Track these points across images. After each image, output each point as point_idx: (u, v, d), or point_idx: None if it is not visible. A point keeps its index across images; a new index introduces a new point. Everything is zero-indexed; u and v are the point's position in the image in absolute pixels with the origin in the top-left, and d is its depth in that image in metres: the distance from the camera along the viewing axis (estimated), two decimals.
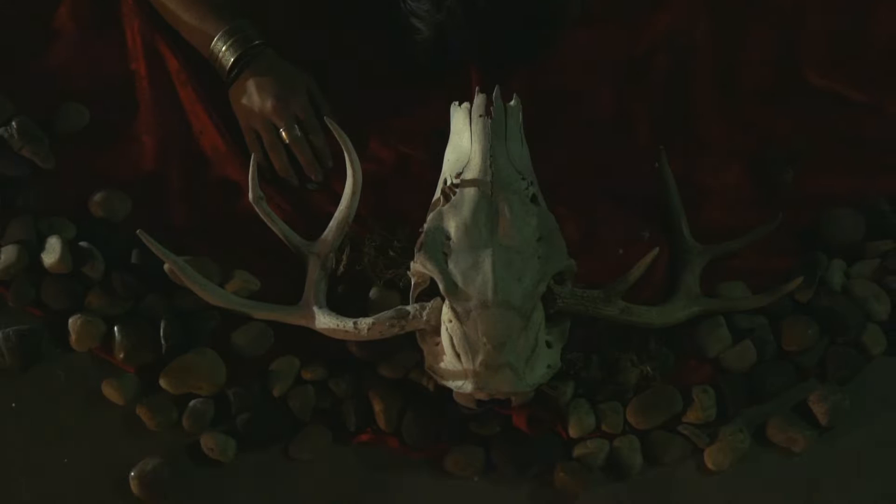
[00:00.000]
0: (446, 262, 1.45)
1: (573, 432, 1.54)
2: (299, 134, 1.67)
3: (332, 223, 1.57)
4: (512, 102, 1.56)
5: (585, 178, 1.71)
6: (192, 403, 1.55)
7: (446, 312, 1.44)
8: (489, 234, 1.46)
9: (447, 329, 1.44)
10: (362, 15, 1.75)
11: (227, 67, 1.68)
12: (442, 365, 1.46)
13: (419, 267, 1.47)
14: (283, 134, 1.67)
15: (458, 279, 1.43)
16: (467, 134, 1.54)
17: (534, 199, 1.51)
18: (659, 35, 1.83)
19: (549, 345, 1.46)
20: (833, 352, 1.61)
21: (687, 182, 1.68)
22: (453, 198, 1.50)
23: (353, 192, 1.56)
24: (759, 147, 1.75)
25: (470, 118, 1.55)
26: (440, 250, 1.46)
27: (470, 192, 1.49)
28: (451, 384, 1.45)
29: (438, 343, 1.46)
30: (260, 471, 1.55)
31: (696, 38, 1.82)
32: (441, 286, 1.43)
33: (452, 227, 1.47)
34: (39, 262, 1.59)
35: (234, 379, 1.57)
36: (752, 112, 1.78)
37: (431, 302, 1.47)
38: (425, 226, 1.50)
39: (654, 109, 1.78)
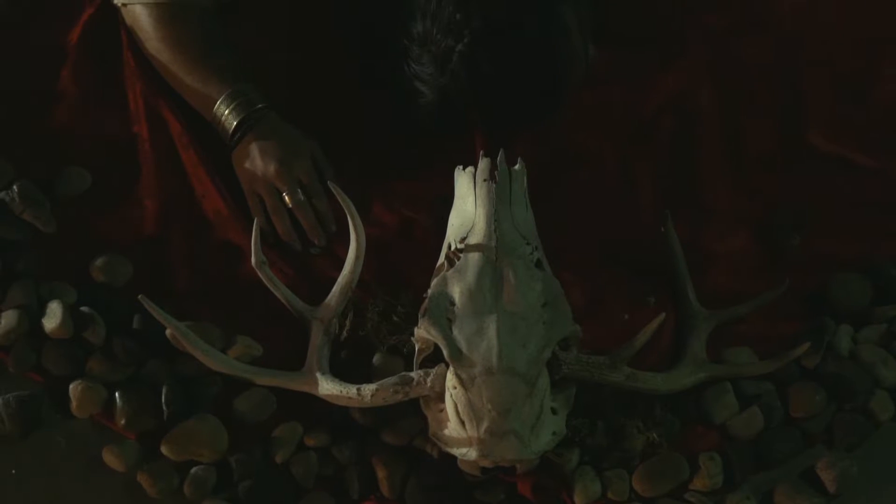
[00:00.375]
0: (450, 328, 1.48)
1: (579, 500, 1.56)
2: (302, 198, 1.71)
3: (336, 288, 1.60)
4: (516, 167, 1.60)
5: (590, 242, 1.75)
6: (193, 470, 1.58)
7: (450, 379, 1.47)
8: (494, 300, 1.49)
9: (451, 396, 1.47)
10: (365, 78, 1.79)
11: (230, 131, 1.72)
12: (446, 432, 1.49)
13: (423, 333, 1.50)
14: (287, 198, 1.70)
15: (463, 345, 1.46)
16: (471, 199, 1.58)
17: (538, 265, 1.55)
18: (664, 98, 1.87)
19: (554, 411, 1.49)
20: (841, 418, 1.64)
21: (693, 247, 1.71)
22: (457, 263, 1.54)
23: (357, 257, 1.60)
24: (765, 212, 1.79)
25: (474, 183, 1.58)
26: (444, 316, 1.49)
27: (474, 258, 1.52)
28: (456, 451, 1.48)
29: (442, 410, 1.49)
30: None
31: (702, 101, 1.86)
32: (445, 352, 1.46)
33: (457, 292, 1.50)
34: (40, 327, 1.61)
35: (236, 445, 1.59)
36: (758, 176, 1.81)
37: (435, 368, 1.50)
38: (429, 291, 1.53)
39: (659, 173, 1.82)
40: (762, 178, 1.82)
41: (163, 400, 1.58)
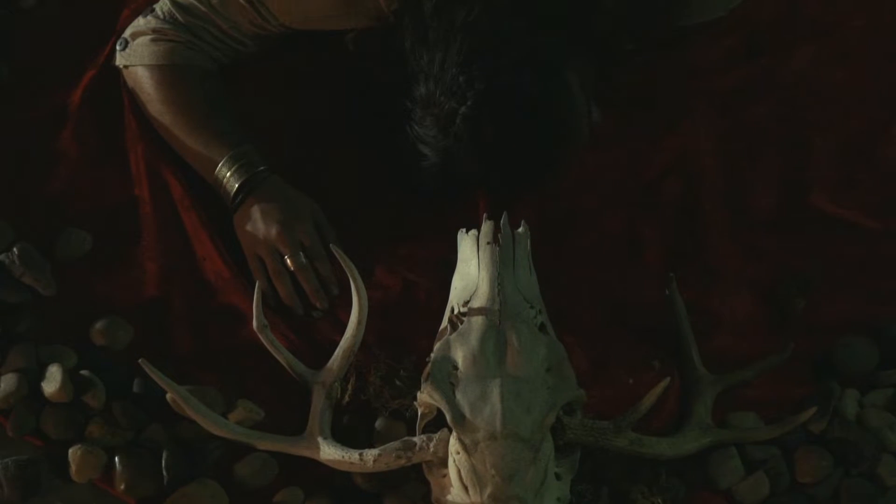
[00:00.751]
0: (454, 393, 1.51)
1: None
2: (304, 261, 1.74)
3: (338, 352, 1.63)
4: (520, 229, 1.63)
5: (594, 305, 1.79)
6: None
7: (454, 444, 1.49)
8: (497, 364, 1.51)
9: (455, 461, 1.48)
10: (368, 140, 1.84)
11: (232, 193, 1.77)
12: (449, 497, 1.50)
13: (426, 397, 1.53)
14: (288, 261, 1.74)
15: (466, 410, 1.48)
16: (475, 262, 1.60)
17: (542, 328, 1.57)
18: (669, 161, 1.91)
19: (558, 476, 1.51)
20: (848, 483, 1.66)
21: (697, 310, 1.74)
22: (461, 326, 1.56)
23: (359, 321, 1.63)
24: (770, 274, 1.82)
25: (477, 246, 1.61)
26: (447, 380, 1.52)
27: (478, 321, 1.55)
28: None
29: (446, 475, 1.51)
30: None
31: (706, 163, 1.90)
32: (448, 417, 1.49)
33: (460, 356, 1.53)
34: (40, 390, 1.64)
35: None
36: (763, 239, 1.85)
37: (438, 433, 1.52)
38: (432, 355, 1.56)
39: (664, 235, 1.86)
40: (767, 240, 1.85)
41: (163, 464, 1.61)
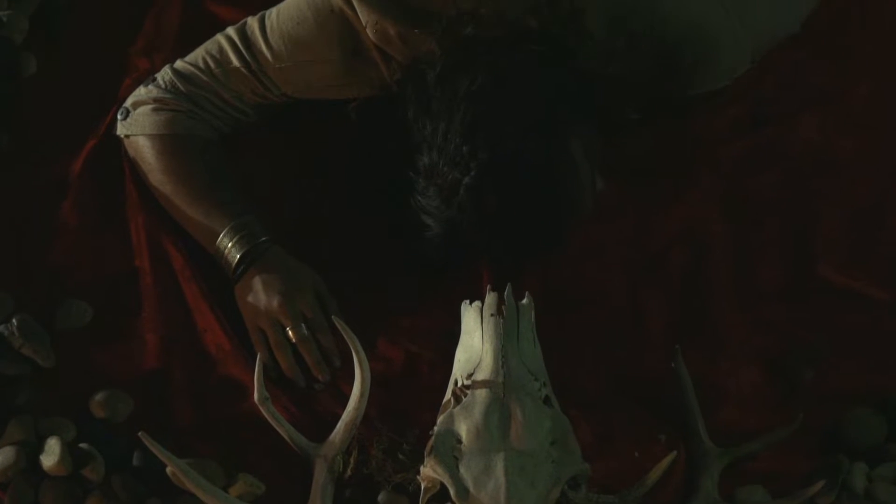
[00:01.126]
0: (457, 467, 1.52)
1: None
2: (306, 333, 1.77)
3: (340, 425, 1.65)
4: (524, 301, 1.64)
5: (599, 377, 1.81)
6: None
7: None
8: (501, 438, 1.53)
9: None
10: (370, 211, 1.87)
11: (234, 264, 1.79)
12: None
13: (429, 471, 1.55)
14: (290, 333, 1.77)
15: (470, 484, 1.51)
16: (478, 333, 1.62)
17: (547, 401, 1.59)
18: (675, 231, 1.93)
19: None
20: None
21: (704, 382, 1.76)
22: (464, 399, 1.58)
23: (362, 394, 1.65)
24: (777, 345, 1.84)
25: (481, 317, 1.62)
26: (451, 454, 1.54)
27: (481, 394, 1.56)
28: None
29: None
30: None
31: (713, 233, 1.93)
32: (452, 491, 1.51)
33: (463, 429, 1.55)
34: (38, 463, 1.66)
35: None
36: (770, 310, 1.87)
37: None
38: (435, 428, 1.58)
39: (669, 306, 1.88)
40: (774, 311, 1.87)
41: None
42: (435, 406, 1.64)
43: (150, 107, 1.87)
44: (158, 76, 1.90)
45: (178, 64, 1.90)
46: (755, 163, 2.00)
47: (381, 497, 1.66)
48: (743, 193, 1.97)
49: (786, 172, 1.99)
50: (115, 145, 1.91)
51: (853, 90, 2.07)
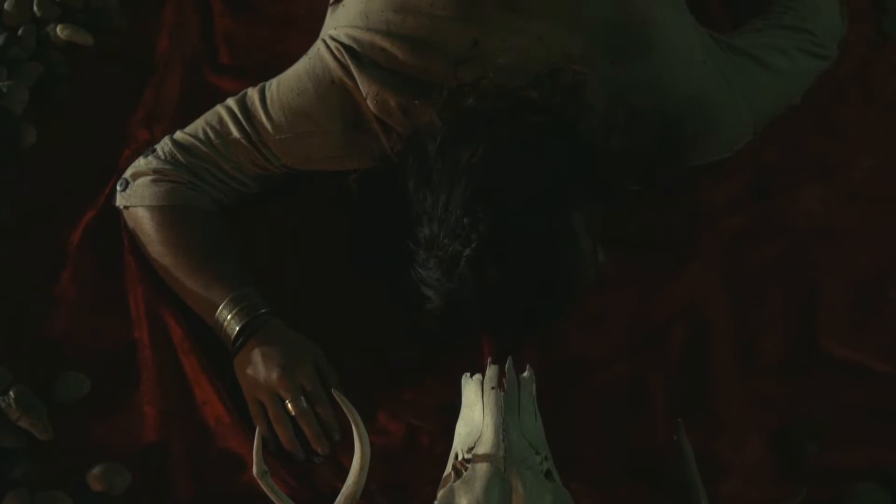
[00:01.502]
0: None
1: None
2: (306, 406, 1.78)
3: (340, 498, 1.64)
4: (525, 374, 1.65)
5: (601, 451, 1.82)
6: None
7: None
8: None
9: None
10: (370, 283, 1.89)
11: (233, 336, 1.82)
12: None
13: None
14: (290, 406, 1.78)
15: None
16: (479, 407, 1.62)
17: (548, 475, 1.59)
18: (676, 303, 1.95)
19: None
20: None
21: (706, 456, 1.75)
22: (465, 473, 1.58)
23: (362, 467, 1.65)
24: (779, 420, 1.85)
25: (482, 391, 1.63)
26: None
27: (482, 468, 1.57)
28: None
29: None
30: None
31: (714, 306, 1.95)
32: None
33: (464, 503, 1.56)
34: None
35: None
36: (772, 384, 1.89)
37: None
38: (436, 502, 1.58)
39: (671, 380, 1.89)
40: (776, 384, 1.89)
41: None
42: (435, 480, 1.64)
43: (149, 178, 1.90)
44: (158, 147, 1.93)
45: (178, 135, 1.94)
46: (757, 235, 2.03)
47: None
48: (744, 265, 2.00)
49: (787, 244, 2.02)
50: (115, 216, 1.94)
51: (854, 162, 2.11)
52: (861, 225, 2.05)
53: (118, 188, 1.93)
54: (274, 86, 1.91)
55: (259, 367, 1.80)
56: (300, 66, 1.91)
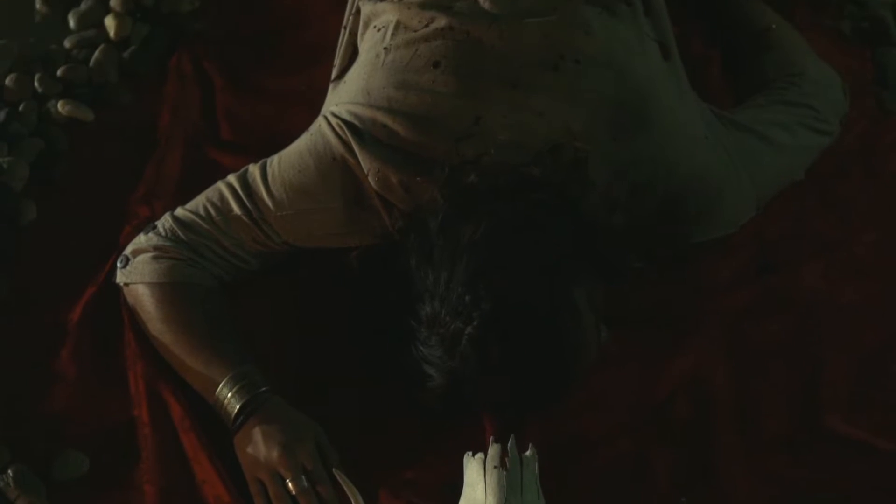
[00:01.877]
0: None
1: None
2: (307, 485, 1.78)
3: None
4: (527, 453, 1.66)
5: None
6: None
7: None
8: None
9: None
10: (372, 361, 1.90)
11: (233, 415, 1.82)
12: None
13: None
14: (290, 485, 1.78)
15: None
16: (481, 486, 1.64)
17: None
18: (679, 380, 1.96)
19: None
20: None
21: None
22: None
23: None
24: (784, 497, 1.85)
25: (484, 470, 1.64)
26: None
27: None
28: None
29: None
30: None
31: (717, 383, 1.96)
32: None
33: None
34: None
35: None
36: (775, 460, 1.89)
37: None
38: None
39: (674, 457, 1.89)
40: (779, 461, 1.89)
41: None
42: None
43: (150, 255, 1.92)
44: (159, 224, 1.95)
45: (179, 211, 1.96)
46: (760, 311, 2.04)
47: None
48: (747, 341, 2.01)
49: (791, 320, 2.04)
50: (115, 293, 1.96)
51: (857, 237, 2.14)
52: (864, 300, 2.07)
53: (118, 265, 1.95)
54: (275, 162, 1.94)
55: (259, 446, 1.80)
56: (301, 143, 1.94)
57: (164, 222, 1.96)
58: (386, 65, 1.90)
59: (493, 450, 1.66)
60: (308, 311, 2.02)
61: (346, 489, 1.69)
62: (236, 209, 1.92)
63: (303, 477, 1.79)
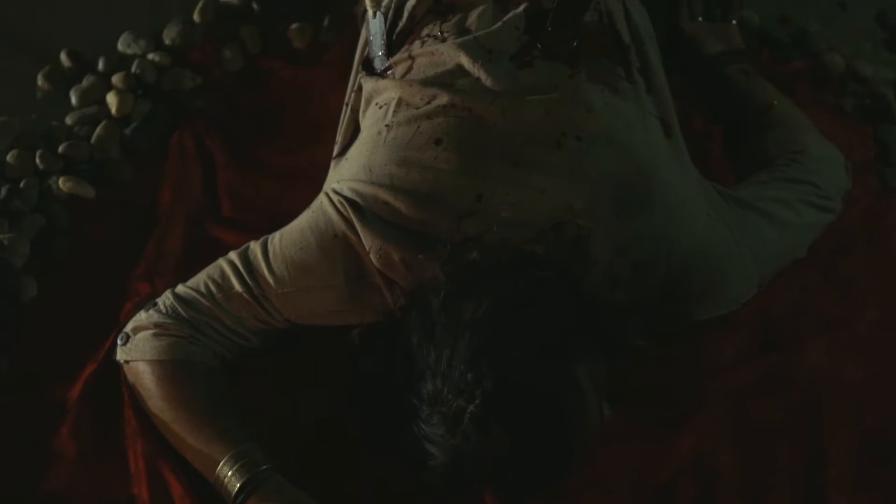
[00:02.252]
0: None
1: None
2: None
3: None
4: None
5: None
6: None
7: None
8: None
9: None
10: (373, 439, 1.91)
11: (233, 493, 1.83)
12: None
13: None
14: None
15: None
16: None
17: None
18: (682, 460, 1.97)
19: None
20: None
21: None
22: None
23: None
24: None
25: None
26: None
27: None
28: None
29: None
30: None
31: (721, 462, 1.96)
32: None
33: None
34: None
35: None
36: None
37: None
38: None
39: None
40: None
41: None
42: None
43: (150, 332, 1.94)
44: (159, 301, 1.97)
45: (180, 288, 1.98)
46: (763, 390, 2.05)
47: None
48: (751, 420, 2.02)
49: (794, 399, 2.05)
50: (115, 371, 1.97)
51: (860, 314, 2.16)
52: (867, 377, 2.09)
53: (119, 342, 1.96)
54: (276, 239, 1.96)
55: None
56: (303, 220, 1.96)
57: (165, 299, 1.98)
58: (388, 142, 1.93)
59: None
60: (309, 388, 2.03)
61: None
62: (237, 286, 1.94)
63: None
